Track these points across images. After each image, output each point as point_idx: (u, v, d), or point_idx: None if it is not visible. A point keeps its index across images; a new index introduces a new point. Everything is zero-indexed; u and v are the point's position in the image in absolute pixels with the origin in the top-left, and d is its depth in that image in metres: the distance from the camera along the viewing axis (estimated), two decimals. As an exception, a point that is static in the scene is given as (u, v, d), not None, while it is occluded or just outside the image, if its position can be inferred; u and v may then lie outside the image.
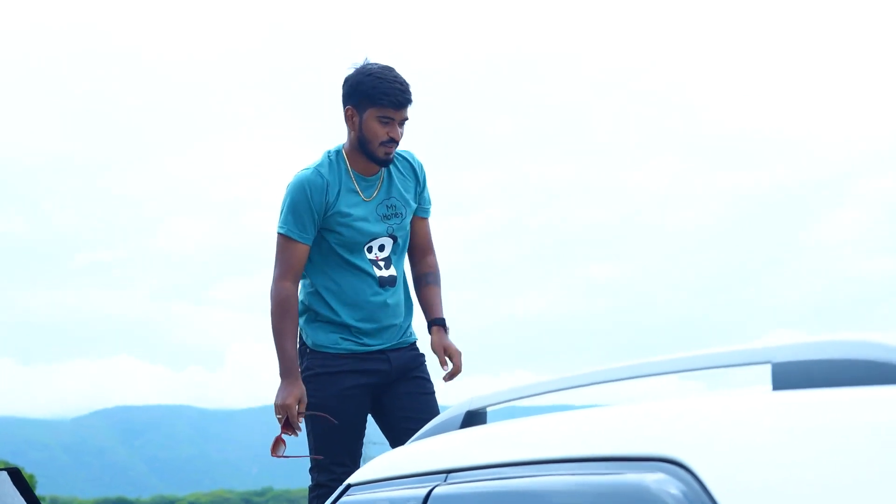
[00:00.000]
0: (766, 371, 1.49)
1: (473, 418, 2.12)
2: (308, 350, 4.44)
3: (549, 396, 2.04)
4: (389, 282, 4.42)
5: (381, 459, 2.27)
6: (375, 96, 4.24)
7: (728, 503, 1.28)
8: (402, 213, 4.44)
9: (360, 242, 4.37)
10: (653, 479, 1.40)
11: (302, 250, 4.34)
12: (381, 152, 4.29)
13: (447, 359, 4.39)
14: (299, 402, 4.26)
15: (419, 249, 4.58)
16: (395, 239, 4.44)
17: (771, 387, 1.43)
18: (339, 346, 4.38)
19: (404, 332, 4.49)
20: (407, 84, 4.30)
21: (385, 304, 4.40)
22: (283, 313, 4.32)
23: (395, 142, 4.29)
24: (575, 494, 1.55)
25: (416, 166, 4.51)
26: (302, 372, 4.38)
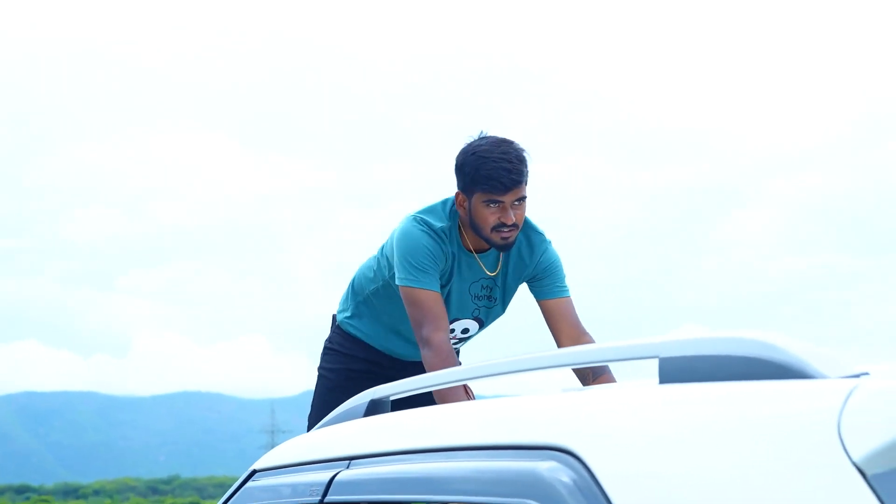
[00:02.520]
0: (646, 366, 1.56)
1: (377, 407, 2.17)
2: (336, 324, 4.38)
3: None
4: (457, 344, 4.19)
5: (286, 445, 2.30)
6: (479, 180, 3.76)
7: (615, 491, 1.34)
8: (496, 297, 4.05)
9: (451, 315, 4.01)
10: (545, 466, 1.45)
11: (439, 298, 3.87)
12: (496, 238, 3.81)
13: None
14: None
15: (565, 335, 3.95)
16: (480, 323, 4.10)
17: (658, 380, 1.50)
18: (361, 335, 4.27)
19: None
20: (518, 161, 3.77)
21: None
22: (453, 361, 3.83)
23: (512, 226, 3.79)
24: (472, 481, 1.61)
25: (534, 245, 4.00)
26: (325, 342, 4.38)
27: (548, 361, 1.76)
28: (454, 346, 4.12)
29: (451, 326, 4.00)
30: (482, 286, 4.00)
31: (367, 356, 4.29)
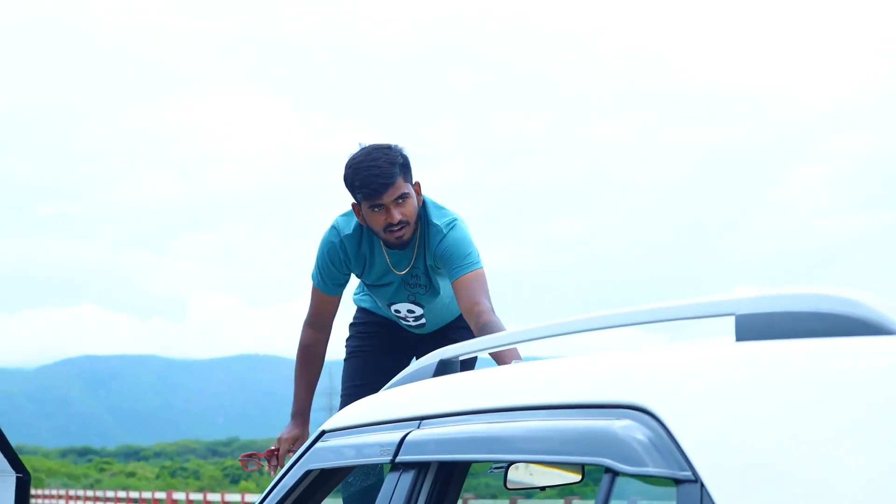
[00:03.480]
0: (727, 324, 1.54)
1: (446, 367, 2.17)
2: (355, 305, 4.70)
3: (518, 348, 2.09)
4: (417, 327, 4.52)
5: (355, 406, 2.31)
6: (356, 189, 4.07)
7: (693, 449, 1.33)
8: (424, 285, 4.33)
9: (382, 299, 4.44)
10: (620, 425, 1.45)
11: (327, 301, 4.39)
12: (390, 238, 4.11)
13: None
14: (294, 443, 4.37)
15: (464, 308, 4.16)
16: (421, 305, 4.42)
17: (735, 338, 1.48)
18: (371, 309, 4.60)
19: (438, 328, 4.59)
20: (388, 164, 4.04)
21: (419, 330, 4.57)
22: (301, 359, 4.44)
23: (397, 225, 4.06)
24: (545, 440, 1.60)
25: (429, 244, 4.22)
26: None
27: (618, 320, 1.74)
28: (409, 325, 4.49)
29: (396, 308, 4.40)
30: (412, 275, 4.29)
31: (380, 321, 4.60)
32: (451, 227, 4.20)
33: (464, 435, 1.80)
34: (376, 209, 4.04)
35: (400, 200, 4.05)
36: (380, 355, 4.56)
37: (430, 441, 1.89)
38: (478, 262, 4.20)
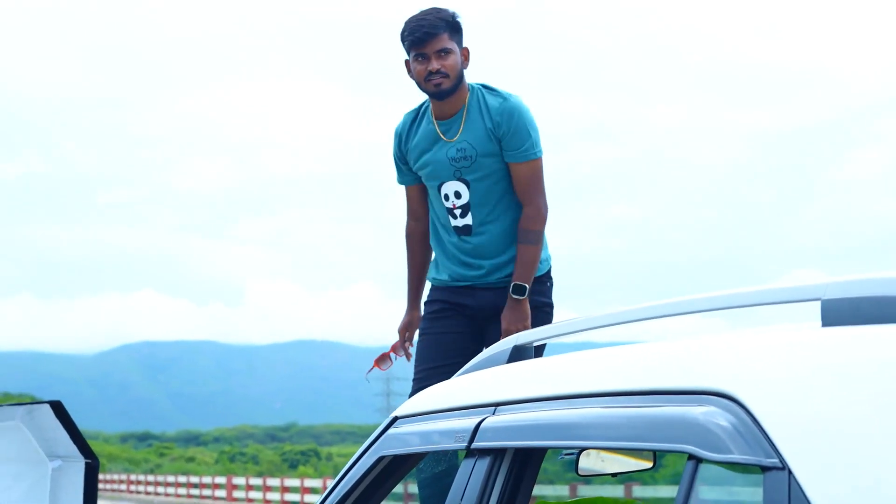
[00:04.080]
0: (789, 311, 1.52)
1: (520, 353, 2.15)
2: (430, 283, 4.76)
3: (588, 334, 2.07)
4: (464, 231, 4.45)
5: (428, 392, 2.30)
6: (404, 39, 4.38)
7: (780, 436, 1.32)
8: (470, 157, 4.38)
9: (433, 186, 4.48)
10: (703, 411, 1.43)
11: (410, 190, 4.62)
12: (430, 87, 4.34)
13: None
14: (409, 327, 4.68)
15: (519, 199, 4.41)
16: (467, 184, 4.41)
17: (820, 323, 1.46)
18: (434, 278, 4.59)
19: (496, 272, 4.46)
20: (435, 16, 4.35)
21: (461, 249, 4.47)
22: (407, 248, 4.73)
23: (436, 73, 4.31)
24: (625, 427, 1.59)
25: (491, 108, 4.37)
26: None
27: (699, 305, 1.73)
28: (457, 217, 4.46)
29: (444, 192, 4.45)
30: (457, 149, 4.39)
31: (447, 298, 4.55)
32: (515, 97, 4.39)
33: (540, 421, 1.79)
34: (420, 59, 4.33)
35: (442, 53, 4.32)
36: (450, 335, 4.52)
37: (506, 427, 1.88)
38: (538, 150, 4.38)
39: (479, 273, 4.44)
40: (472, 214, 4.42)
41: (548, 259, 4.52)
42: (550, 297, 4.53)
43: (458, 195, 4.42)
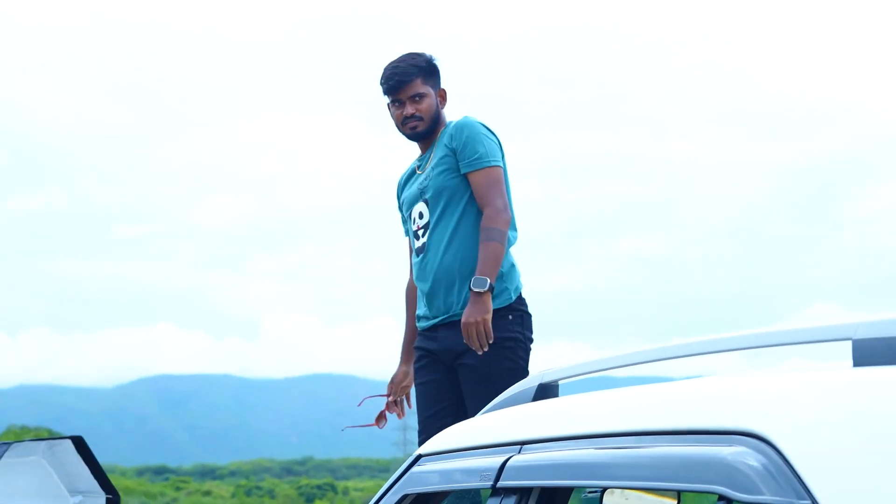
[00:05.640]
0: (810, 350, 1.51)
1: (546, 391, 2.14)
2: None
3: (615, 371, 2.06)
4: (421, 250, 4.51)
5: (451, 430, 2.28)
6: (382, 85, 4.55)
7: (812, 477, 1.30)
8: (430, 175, 4.50)
9: (407, 216, 4.63)
10: (733, 451, 1.42)
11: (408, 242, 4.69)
12: (406, 131, 4.54)
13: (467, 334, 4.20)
14: (405, 379, 4.68)
15: (478, 206, 4.41)
16: (427, 203, 4.49)
17: (851, 363, 1.45)
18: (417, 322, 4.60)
19: (454, 305, 4.37)
20: (405, 64, 4.51)
21: (421, 271, 4.50)
22: (405, 302, 4.78)
23: (411, 117, 4.49)
24: (653, 467, 1.58)
25: (448, 128, 4.50)
26: None
27: (728, 344, 1.71)
28: (419, 237, 4.54)
29: (413, 216, 4.57)
30: (425, 176, 4.53)
31: (421, 344, 4.55)
32: (469, 116, 4.51)
33: (568, 460, 1.77)
34: (396, 104, 4.51)
35: (416, 98, 4.49)
36: (430, 384, 4.51)
37: (533, 466, 1.86)
38: (493, 159, 4.41)
39: (445, 306, 4.41)
40: (430, 234, 4.47)
41: (514, 289, 4.36)
42: (515, 331, 4.30)
43: (420, 216, 4.55)
